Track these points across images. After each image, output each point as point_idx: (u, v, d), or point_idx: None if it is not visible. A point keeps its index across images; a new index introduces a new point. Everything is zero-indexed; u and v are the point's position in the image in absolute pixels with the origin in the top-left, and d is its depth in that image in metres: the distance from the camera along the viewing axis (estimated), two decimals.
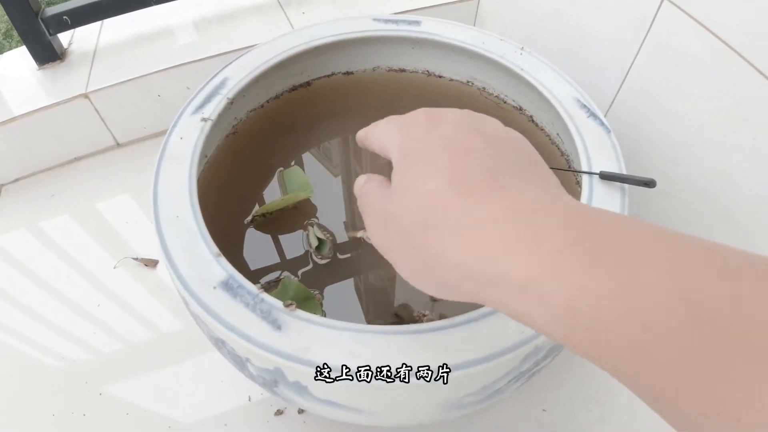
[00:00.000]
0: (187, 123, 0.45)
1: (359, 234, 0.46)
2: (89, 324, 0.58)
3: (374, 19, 0.56)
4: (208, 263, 0.35)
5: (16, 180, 0.77)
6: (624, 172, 0.41)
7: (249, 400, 0.50)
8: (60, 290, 0.61)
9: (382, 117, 0.57)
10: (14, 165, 0.75)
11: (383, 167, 0.52)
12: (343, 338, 0.31)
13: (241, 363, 0.34)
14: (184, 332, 0.56)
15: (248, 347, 0.31)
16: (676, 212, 0.53)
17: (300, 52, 0.53)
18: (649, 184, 0.37)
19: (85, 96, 0.72)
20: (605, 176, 0.39)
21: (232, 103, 0.49)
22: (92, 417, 0.50)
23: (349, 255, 0.46)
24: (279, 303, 0.33)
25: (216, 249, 0.36)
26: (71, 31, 0.82)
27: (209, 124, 0.45)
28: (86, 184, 0.75)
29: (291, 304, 0.33)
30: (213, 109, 0.46)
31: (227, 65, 0.50)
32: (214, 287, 0.34)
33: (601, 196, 0.39)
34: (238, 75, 0.49)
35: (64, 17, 0.76)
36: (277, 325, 0.32)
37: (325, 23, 0.56)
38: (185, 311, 0.38)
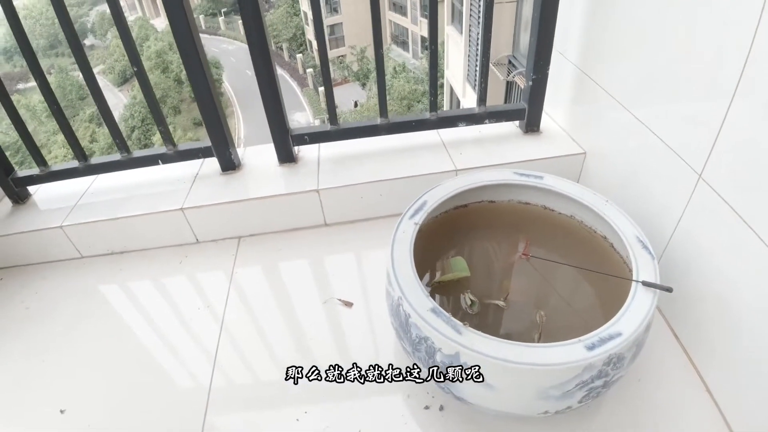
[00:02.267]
0: (406, 224, 0.81)
1: (495, 301, 0.78)
2: (306, 338, 0.93)
3: (514, 172, 0.91)
4: (423, 299, 0.69)
5: (252, 235, 1.18)
6: (658, 283, 0.70)
7: (408, 397, 0.81)
8: (282, 313, 0.98)
9: (513, 232, 0.90)
10: (251, 226, 1.17)
11: (513, 260, 0.84)
12: (491, 343, 0.63)
13: (432, 353, 0.67)
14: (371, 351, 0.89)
15: (443, 340, 0.64)
16: (692, 314, 0.79)
17: (466, 189, 0.89)
18: (669, 290, 0.66)
19: (317, 191, 1.13)
20: (645, 283, 0.69)
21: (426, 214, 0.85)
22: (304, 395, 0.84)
23: (489, 311, 0.78)
24: (460, 323, 0.65)
25: (426, 292, 0.70)
26: None
27: (417, 227, 0.81)
28: (303, 245, 1.14)
29: (466, 323, 0.65)
30: (420, 217, 0.82)
31: (427, 192, 0.87)
32: (427, 310, 0.67)
33: (641, 294, 0.68)
34: (432, 199, 0.86)
35: (305, 136, 1.20)
36: (459, 331, 0.64)
37: (482, 171, 0.92)
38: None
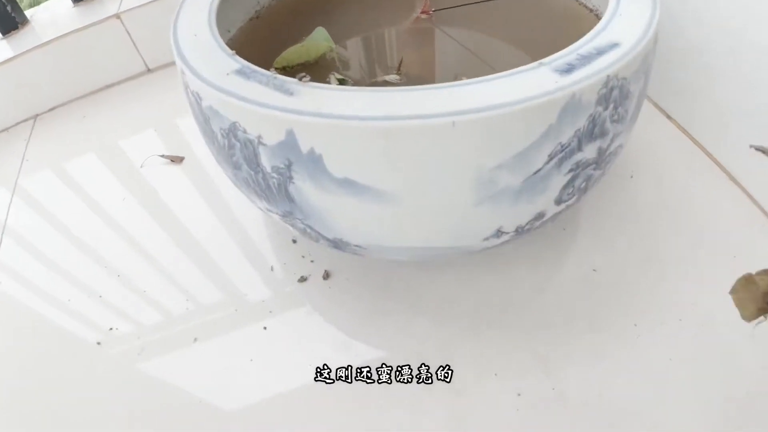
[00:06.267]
0: None
1: (383, 77, 0.44)
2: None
3: None
4: (222, 60, 0.34)
5: (50, 110, 0.78)
6: None
7: (272, 269, 0.48)
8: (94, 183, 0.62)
9: None
10: (44, 96, 0.77)
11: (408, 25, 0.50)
12: (356, 98, 0.29)
13: (253, 152, 0.32)
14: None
15: (262, 113, 0.29)
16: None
17: None
18: None
19: (117, 17, 0.73)
20: None
21: None
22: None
23: None
24: (293, 79, 0.31)
25: (230, 50, 0.35)
26: None
27: None
28: (117, 108, 0.75)
29: (305, 76, 0.31)
30: None
31: None
32: (227, 74, 0.32)
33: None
34: None
35: None
36: (289, 92, 0.30)
37: None
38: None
